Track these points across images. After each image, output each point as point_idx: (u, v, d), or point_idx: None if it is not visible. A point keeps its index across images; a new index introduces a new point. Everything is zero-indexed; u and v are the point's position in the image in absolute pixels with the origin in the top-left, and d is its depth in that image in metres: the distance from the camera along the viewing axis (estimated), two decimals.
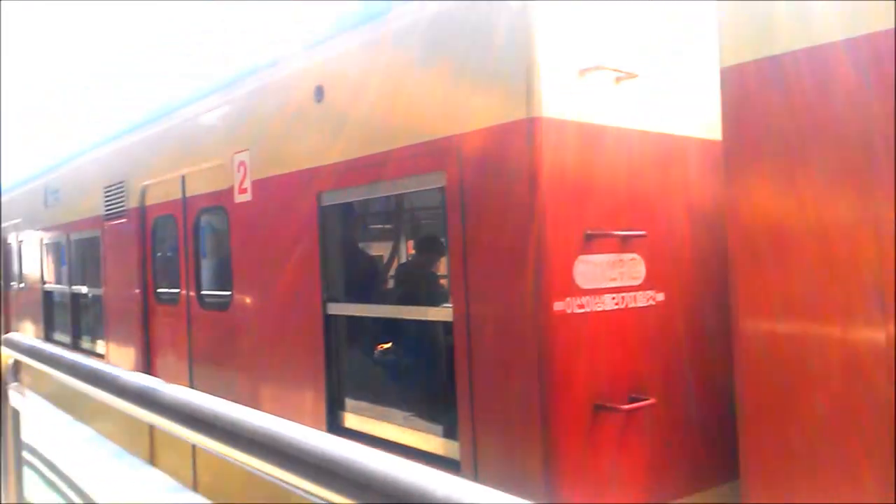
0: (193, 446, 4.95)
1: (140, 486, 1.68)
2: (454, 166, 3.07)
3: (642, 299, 3.00)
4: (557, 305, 2.71)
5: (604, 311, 2.85)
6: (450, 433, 3.22)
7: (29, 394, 2.56)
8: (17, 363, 2.65)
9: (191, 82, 5.79)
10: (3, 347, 2.65)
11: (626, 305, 2.95)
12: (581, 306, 2.81)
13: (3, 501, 2.74)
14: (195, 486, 4.96)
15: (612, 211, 2.95)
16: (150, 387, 1.52)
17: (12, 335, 2.69)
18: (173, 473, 1.81)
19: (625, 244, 2.95)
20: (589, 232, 2.82)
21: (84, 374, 1.91)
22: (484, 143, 2.98)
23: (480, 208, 3.00)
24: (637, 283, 2.99)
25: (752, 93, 2.51)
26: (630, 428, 2.92)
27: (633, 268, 2.98)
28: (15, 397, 2.62)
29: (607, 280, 2.88)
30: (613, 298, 2.89)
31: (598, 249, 2.84)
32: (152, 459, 5.62)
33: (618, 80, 3.00)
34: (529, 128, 2.77)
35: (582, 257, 2.81)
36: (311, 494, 1.07)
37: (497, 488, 0.90)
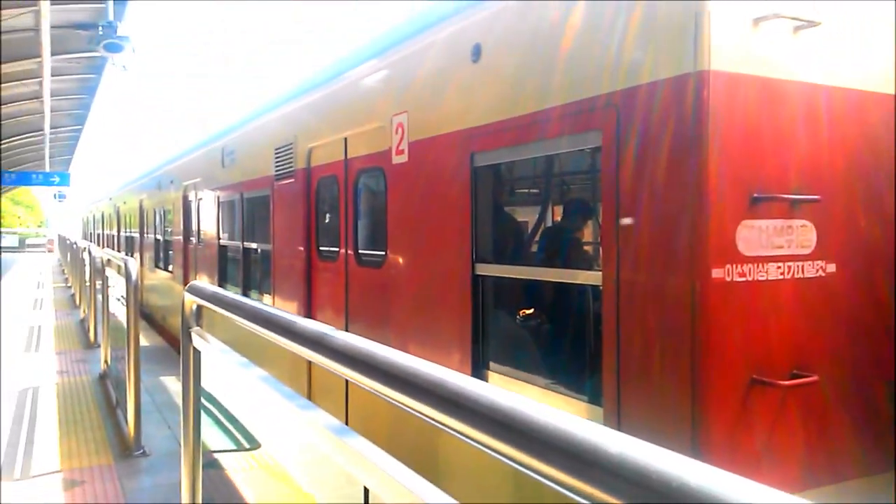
0: (347, 388, 5.27)
1: (310, 426, 1.78)
2: (611, 124, 2.96)
3: (811, 270, 2.80)
4: (716, 273, 2.58)
5: (767, 281, 2.69)
6: (594, 400, 3.19)
7: (209, 336, 2.81)
8: (199, 308, 2.91)
9: (352, 46, 6.09)
10: (187, 294, 2.90)
11: (793, 276, 2.76)
12: (742, 274, 2.64)
13: (182, 435, 3.03)
14: (347, 422, 5.27)
15: (783, 173, 2.75)
16: (323, 332, 1.61)
17: (196, 283, 2.94)
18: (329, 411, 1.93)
19: (795, 209, 2.75)
20: (756, 195, 2.65)
21: (262, 319, 2.06)
22: (645, 99, 2.82)
23: (638, 168, 2.88)
24: (806, 252, 2.78)
25: None
26: (788, 405, 2.76)
27: (803, 235, 2.78)
28: (197, 339, 2.88)
29: (773, 247, 2.69)
30: (779, 268, 2.72)
31: (765, 214, 2.66)
32: (311, 398, 6.01)
33: (796, 29, 2.76)
34: (696, 82, 2.59)
35: (746, 222, 2.64)
36: (469, 437, 1.11)
37: None
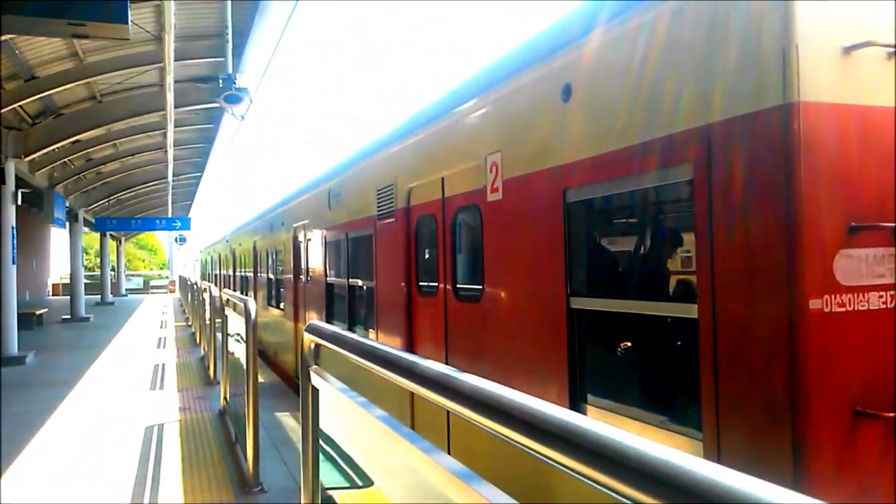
0: (448, 419, 5.39)
1: (433, 469, 1.84)
2: (702, 157, 3.00)
3: None
4: (814, 303, 2.57)
5: (869, 311, 2.65)
6: (693, 434, 3.18)
7: (327, 375, 2.98)
8: (317, 347, 3.09)
9: (445, 91, 6.32)
10: (306, 334, 3.10)
11: None
12: (841, 305, 2.62)
13: (301, 471, 3.20)
14: (448, 451, 5.37)
15: (881, 201, 2.70)
16: (446, 374, 1.71)
17: (315, 322, 3.13)
18: (432, 440, 1.99)
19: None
20: (854, 224, 2.64)
21: (382, 359, 2.19)
22: (736, 132, 2.86)
23: (731, 200, 2.89)
24: None
25: None
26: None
27: None
28: (315, 378, 3.06)
29: (873, 276, 2.66)
30: (881, 297, 2.68)
31: (865, 243, 2.65)
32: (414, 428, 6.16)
33: (890, 56, 2.74)
34: (786, 113, 2.61)
35: (844, 251, 2.62)
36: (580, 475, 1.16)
37: None
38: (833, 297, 2.61)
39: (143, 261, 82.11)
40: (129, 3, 6.91)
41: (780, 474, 2.61)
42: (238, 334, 13.90)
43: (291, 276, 12.75)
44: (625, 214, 4.52)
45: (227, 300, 8.59)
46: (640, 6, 3.52)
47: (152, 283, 61.29)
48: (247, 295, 17.33)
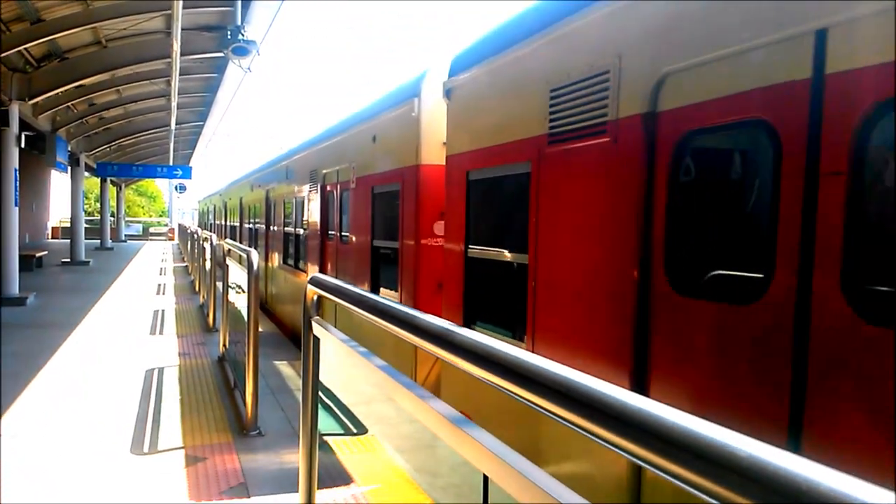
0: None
1: (429, 415, 1.91)
2: (403, 179, 7.71)
3: None
4: (424, 241, 6.27)
5: (438, 246, 3.71)
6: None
7: (328, 325, 3.07)
8: (320, 299, 3.19)
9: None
10: (309, 285, 3.19)
11: None
12: (434, 242, 7.11)
13: (301, 416, 3.31)
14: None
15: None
16: (445, 328, 1.78)
17: (317, 275, 3.21)
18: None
19: None
20: (441, 212, 6.79)
21: (381, 311, 2.27)
22: (409, 172, 7.51)
23: (409, 199, 7.60)
24: None
25: None
26: None
27: None
28: (316, 328, 3.15)
29: (440, 233, 4.97)
30: (438, 241, 3.47)
31: (440, 219, 6.19)
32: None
33: (443, 146, 6.56)
34: (417, 167, 7.26)
35: (437, 223, 7.29)
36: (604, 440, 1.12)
37: None
38: (431, 239, 6.88)
39: (143, 208, 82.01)
40: None
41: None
42: (238, 285, 14.05)
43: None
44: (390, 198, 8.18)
45: (229, 250, 8.68)
46: (392, 109, 8.15)
47: (151, 230, 61.37)
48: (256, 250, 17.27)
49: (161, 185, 79.62)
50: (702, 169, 3.37)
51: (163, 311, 13.84)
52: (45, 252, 24.84)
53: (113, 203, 43.01)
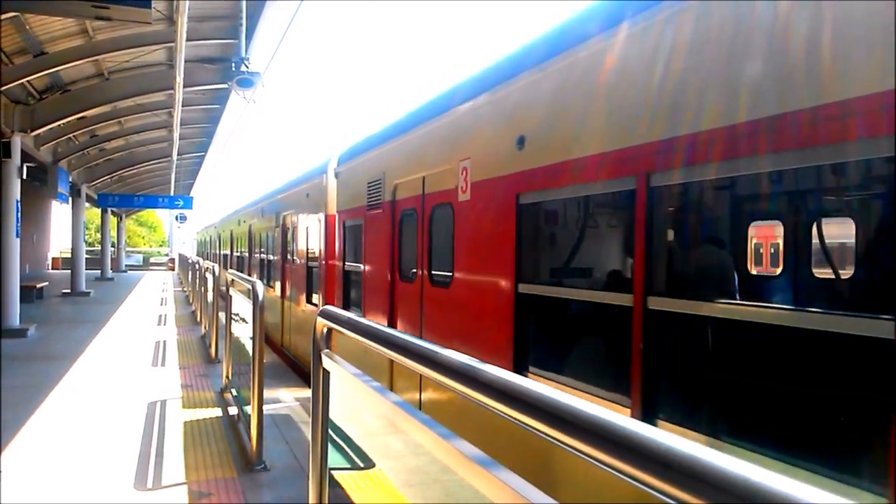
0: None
1: (448, 453, 1.86)
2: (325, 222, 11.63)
3: None
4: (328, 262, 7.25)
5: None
6: None
7: (338, 358, 3.02)
8: (329, 331, 3.13)
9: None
10: (319, 318, 3.14)
11: None
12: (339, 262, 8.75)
13: (310, 450, 3.24)
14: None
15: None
16: (467, 364, 1.74)
17: (328, 307, 3.16)
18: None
19: None
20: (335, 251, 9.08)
21: (396, 345, 2.22)
22: (331, 219, 11.29)
23: (331, 229, 11.43)
24: None
25: None
26: None
27: None
28: (326, 361, 3.10)
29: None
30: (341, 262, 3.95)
31: (343, 260, 5.86)
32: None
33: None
34: (328, 215, 11.35)
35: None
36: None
37: None
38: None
39: (143, 238, 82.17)
40: None
41: None
42: (240, 316, 14.05)
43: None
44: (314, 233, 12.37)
45: (233, 281, 8.64)
46: (314, 179, 12.34)
47: (152, 260, 61.36)
48: (250, 275, 17.37)
49: (161, 216, 79.80)
50: (406, 225, 7.56)
51: (164, 341, 13.75)
52: (46, 283, 24.78)
53: (114, 233, 43.06)
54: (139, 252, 65.86)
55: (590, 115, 4.18)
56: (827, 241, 5.32)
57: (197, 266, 17.61)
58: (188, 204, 35.94)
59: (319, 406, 3.21)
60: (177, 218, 56.67)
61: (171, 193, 36.78)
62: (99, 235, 41.43)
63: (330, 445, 6.80)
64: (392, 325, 7.47)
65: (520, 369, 4.81)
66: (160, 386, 9.38)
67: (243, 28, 11.41)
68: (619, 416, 1.19)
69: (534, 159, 4.69)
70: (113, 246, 42.65)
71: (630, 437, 1.12)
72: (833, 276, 5.46)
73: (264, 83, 11.89)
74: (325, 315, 3.09)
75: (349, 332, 2.76)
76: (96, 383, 9.50)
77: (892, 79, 2.28)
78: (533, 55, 4.91)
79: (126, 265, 48.78)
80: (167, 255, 63.06)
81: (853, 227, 4.85)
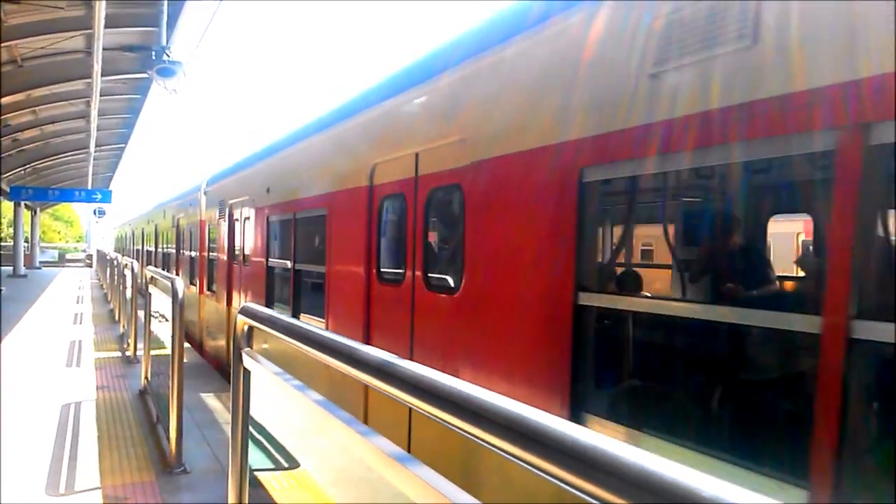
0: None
1: (370, 451, 1.83)
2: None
3: None
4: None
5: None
6: None
7: (259, 357, 2.94)
8: (251, 329, 3.05)
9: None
10: (240, 316, 3.04)
11: None
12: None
13: (230, 453, 3.15)
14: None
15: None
16: (388, 361, 1.71)
17: (249, 305, 3.07)
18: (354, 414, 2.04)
19: None
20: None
21: (318, 343, 2.17)
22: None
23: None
24: None
25: None
26: None
27: None
28: (247, 360, 3.01)
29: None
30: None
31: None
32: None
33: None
34: (202, 222, 14.48)
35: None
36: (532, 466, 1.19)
37: None
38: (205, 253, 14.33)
39: (59, 233, 79.02)
40: None
41: None
42: (158, 312, 13.61)
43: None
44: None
45: (153, 278, 8.36)
46: (194, 192, 15.47)
47: (68, 256, 59.07)
48: (172, 273, 16.87)
49: (79, 210, 76.88)
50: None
51: (80, 341, 13.24)
52: None
53: (27, 228, 41.24)
54: (55, 248, 63.27)
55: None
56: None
57: (115, 262, 17.03)
58: (107, 198, 34.63)
59: (240, 405, 3.12)
60: (95, 212, 54.62)
61: (89, 187, 35.42)
62: (11, 230, 39.59)
63: (253, 446, 6.70)
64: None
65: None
66: (75, 387, 9.00)
67: (164, 16, 11.06)
68: (535, 411, 1.19)
69: None
70: (26, 241, 40.84)
71: (546, 433, 1.13)
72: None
73: (186, 73, 11.54)
74: (246, 313, 3.00)
75: (270, 329, 2.69)
76: (6, 385, 9.05)
77: None
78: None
79: (41, 261, 46.81)
80: (84, 250, 60.79)
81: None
